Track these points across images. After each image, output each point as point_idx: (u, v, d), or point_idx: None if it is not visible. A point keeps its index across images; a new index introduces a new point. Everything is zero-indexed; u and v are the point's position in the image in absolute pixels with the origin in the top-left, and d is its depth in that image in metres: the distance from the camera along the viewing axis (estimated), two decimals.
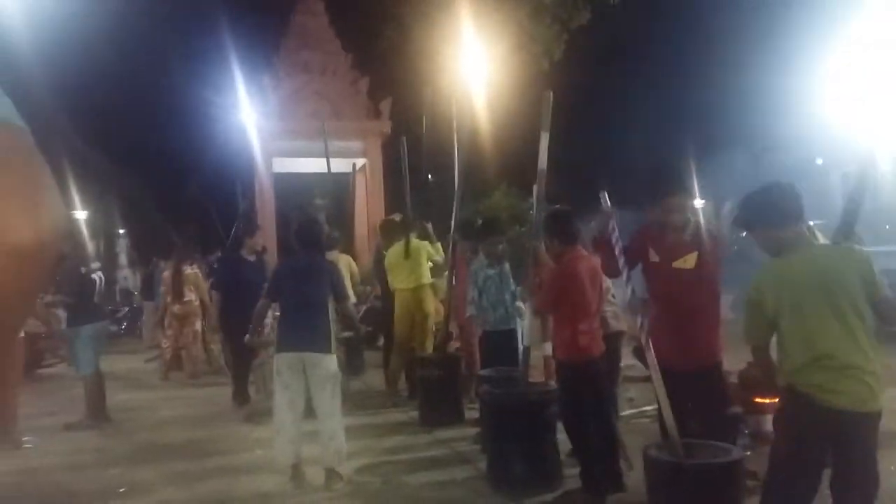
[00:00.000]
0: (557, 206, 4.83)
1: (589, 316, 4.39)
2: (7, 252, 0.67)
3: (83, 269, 6.81)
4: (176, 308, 9.33)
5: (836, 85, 12.61)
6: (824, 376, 2.75)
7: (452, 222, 6.81)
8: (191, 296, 9.38)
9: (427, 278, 7.30)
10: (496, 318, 5.97)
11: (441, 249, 7.42)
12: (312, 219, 5.76)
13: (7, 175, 0.70)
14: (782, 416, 3.02)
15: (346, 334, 6.10)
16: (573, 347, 4.32)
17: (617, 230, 3.88)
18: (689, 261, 3.67)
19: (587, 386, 4.33)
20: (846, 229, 3.46)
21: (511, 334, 5.95)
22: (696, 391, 3.65)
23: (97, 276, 6.84)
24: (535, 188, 5.03)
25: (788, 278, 2.87)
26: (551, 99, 4.76)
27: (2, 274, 0.68)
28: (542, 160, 4.76)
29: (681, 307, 3.66)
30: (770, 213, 2.96)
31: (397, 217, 8.33)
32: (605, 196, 4.12)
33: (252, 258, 7.25)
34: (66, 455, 5.79)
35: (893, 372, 4.67)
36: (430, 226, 7.80)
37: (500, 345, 5.86)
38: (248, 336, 5.39)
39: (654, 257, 3.79)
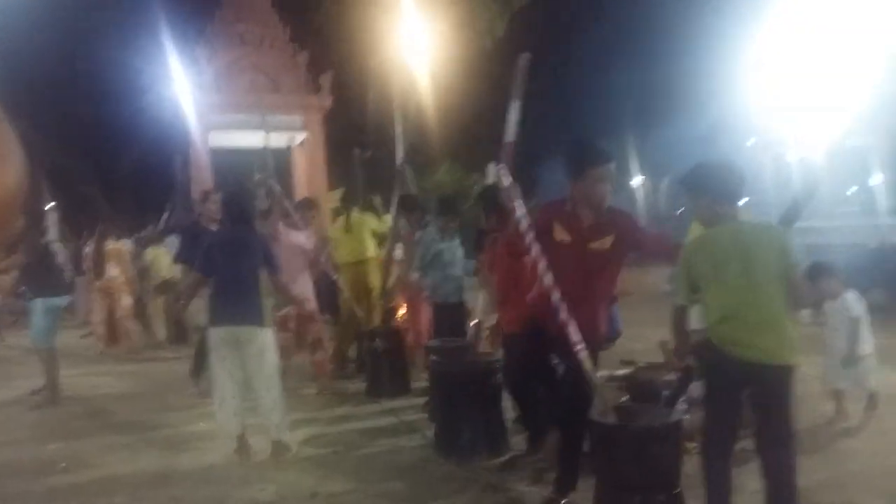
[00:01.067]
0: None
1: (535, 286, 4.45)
2: None
3: (44, 239, 6.59)
4: (99, 283, 9.11)
5: (760, 70, 13.13)
6: (734, 332, 3.03)
7: (393, 198, 6.84)
8: (114, 271, 9.13)
9: (371, 251, 7.29)
10: (446, 291, 6.05)
11: (388, 222, 7.42)
12: (237, 190, 5.59)
13: None
14: (705, 369, 3.30)
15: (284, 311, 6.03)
16: (524, 319, 4.37)
17: (521, 207, 3.69)
18: (605, 242, 3.68)
19: (537, 355, 4.41)
20: (787, 223, 3.70)
21: (459, 307, 6.08)
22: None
23: (56, 246, 6.60)
24: (489, 167, 4.98)
25: (713, 247, 3.16)
26: (528, 61, 4.47)
27: None
28: (510, 132, 4.55)
29: (587, 285, 3.69)
30: (715, 186, 3.21)
31: (339, 193, 8.28)
32: (497, 168, 3.89)
33: (214, 228, 6.57)
34: (2, 431, 5.60)
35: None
36: (377, 199, 7.78)
37: (449, 317, 5.95)
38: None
39: (563, 236, 3.70)
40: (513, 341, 4.52)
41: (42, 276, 6.43)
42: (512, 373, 4.56)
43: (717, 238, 3.16)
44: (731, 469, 3.15)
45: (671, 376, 5.16)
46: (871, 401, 4.90)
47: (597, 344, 3.79)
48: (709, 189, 3.21)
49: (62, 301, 6.70)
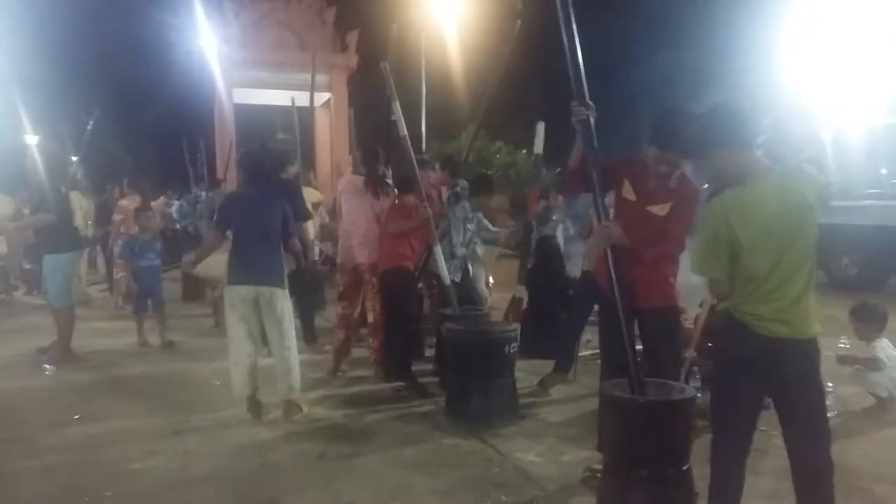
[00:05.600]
0: None
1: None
2: None
3: (63, 189, 6.41)
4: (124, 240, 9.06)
5: (792, 46, 12.82)
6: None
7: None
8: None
9: None
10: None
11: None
12: (256, 148, 5.52)
13: None
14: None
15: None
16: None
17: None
18: (664, 208, 3.62)
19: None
20: None
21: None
22: (647, 330, 3.68)
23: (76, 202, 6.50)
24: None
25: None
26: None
27: None
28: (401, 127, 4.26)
29: (643, 249, 3.61)
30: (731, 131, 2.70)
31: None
32: None
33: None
34: (18, 381, 5.70)
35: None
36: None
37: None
38: (184, 262, 5.24)
39: (629, 194, 3.66)
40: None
41: (59, 228, 6.27)
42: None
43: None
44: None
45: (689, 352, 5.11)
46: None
47: (654, 307, 3.62)
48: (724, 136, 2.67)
49: (77, 256, 6.66)
